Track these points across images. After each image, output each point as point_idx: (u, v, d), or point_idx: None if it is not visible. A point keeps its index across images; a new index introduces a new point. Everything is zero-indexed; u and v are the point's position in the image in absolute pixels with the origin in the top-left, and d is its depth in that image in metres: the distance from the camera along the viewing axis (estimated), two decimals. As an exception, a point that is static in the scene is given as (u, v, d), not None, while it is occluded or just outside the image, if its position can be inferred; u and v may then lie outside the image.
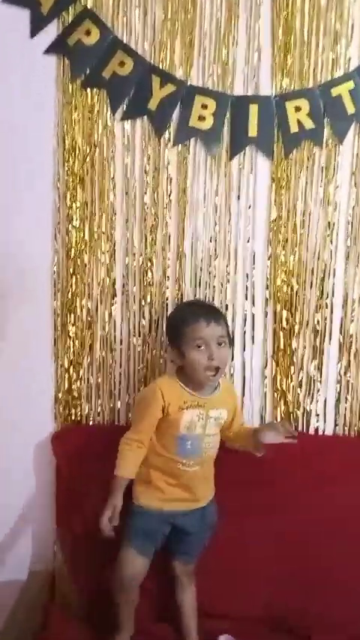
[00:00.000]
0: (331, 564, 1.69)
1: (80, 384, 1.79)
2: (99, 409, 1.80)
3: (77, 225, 1.72)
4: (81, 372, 1.78)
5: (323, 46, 1.66)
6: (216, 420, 1.59)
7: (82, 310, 1.76)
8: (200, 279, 1.76)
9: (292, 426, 1.68)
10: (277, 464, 1.71)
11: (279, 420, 1.79)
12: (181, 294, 1.77)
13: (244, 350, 1.79)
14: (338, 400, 1.80)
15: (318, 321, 1.77)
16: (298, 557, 1.69)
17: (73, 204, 1.71)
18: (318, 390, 1.80)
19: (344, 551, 1.70)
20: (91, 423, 1.80)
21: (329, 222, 1.74)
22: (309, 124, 1.67)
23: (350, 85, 1.66)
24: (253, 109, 1.67)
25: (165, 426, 1.54)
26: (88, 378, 1.79)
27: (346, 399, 1.80)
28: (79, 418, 1.80)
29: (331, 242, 1.75)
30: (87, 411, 1.80)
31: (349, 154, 1.71)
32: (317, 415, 1.81)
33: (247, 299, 1.78)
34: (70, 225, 1.72)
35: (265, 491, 1.72)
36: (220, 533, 1.67)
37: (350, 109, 1.67)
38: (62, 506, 1.77)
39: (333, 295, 1.77)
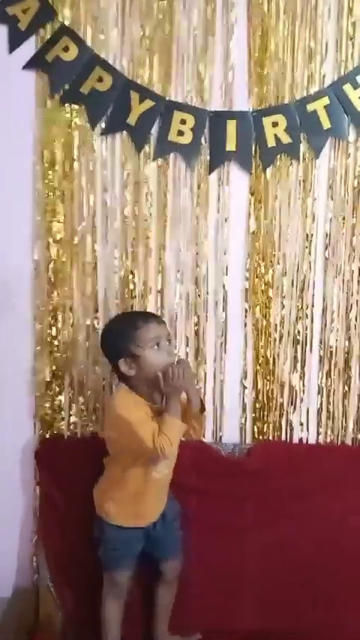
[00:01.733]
0: (320, 576, 1.65)
1: (62, 397, 1.72)
2: (82, 422, 1.73)
3: (58, 239, 1.68)
4: (63, 386, 1.72)
5: (298, 62, 1.64)
6: None
7: (63, 324, 1.71)
8: (182, 291, 1.72)
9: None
10: (262, 475, 1.69)
11: None
12: (163, 306, 1.72)
13: (222, 360, 1.75)
14: (320, 409, 1.77)
15: (298, 332, 1.75)
16: (287, 569, 1.65)
17: (53, 218, 1.67)
18: (301, 400, 1.76)
19: (334, 561, 1.66)
20: (78, 435, 1.73)
21: (307, 235, 1.71)
22: (286, 139, 1.65)
23: (325, 100, 1.64)
24: (231, 125, 1.64)
25: None
26: (69, 392, 1.73)
27: (328, 408, 1.77)
28: (61, 432, 1.73)
29: (310, 254, 1.72)
30: (69, 424, 1.73)
31: (325, 168, 1.68)
32: (301, 425, 1.76)
33: (224, 310, 1.73)
34: (50, 239, 1.67)
35: (253, 504, 1.68)
36: (209, 548, 1.63)
37: (326, 124, 1.64)
38: (45, 522, 1.70)
39: (313, 306, 1.74)
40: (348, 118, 1.65)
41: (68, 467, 1.68)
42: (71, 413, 1.73)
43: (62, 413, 1.73)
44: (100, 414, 1.73)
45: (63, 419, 1.73)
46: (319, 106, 1.64)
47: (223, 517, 1.66)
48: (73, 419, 1.74)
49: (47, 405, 1.72)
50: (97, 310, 1.71)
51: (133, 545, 1.55)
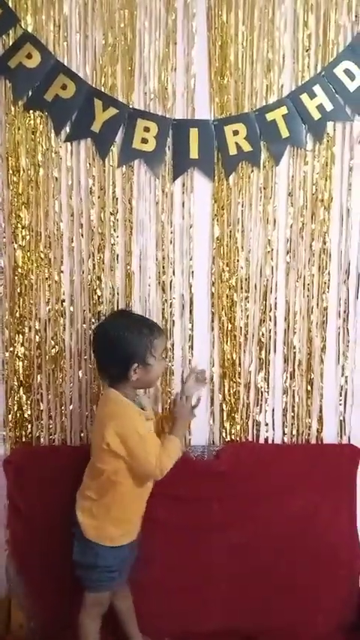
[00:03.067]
0: (286, 574, 1.65)
1: (30, 405, 1.68)
2: (50, 430, 1.69)
3: (23, 245, 1.63)
4: (30, 393, 1.68)
5: (257, 73, 1.65)
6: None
7: (30, 330, 1.67)
8: (148, 296, 1.70)
9: (204, 371, 1.64)
10: (231, 476, 1.68)
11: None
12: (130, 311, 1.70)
13: (189, 363, 1.73)
14: (285, 409, 1.78)
15: (262, 334, 1.75)
16: (253, 569, 1.64)
17: (19, 224, 1.63)
18: (266, 400, 1.76)
19: (301, 559, 1.66)
20: (42, 443, 1.69)
21: (269, 240, 1.72)
22: (247, 147, 1.65)
23: (284, 110, 1.65)
24: (194, 133, 1.63)
25: None
26: (37, 399, 1.68)
27: (293, 408, 1.77)
28: (29, 440, 1.69)
29: (272, 259, 1.73)
30: (37, 432, 1.69)
31: (284, 175, 1.70)
32: (266, 425, 1.77)
33: (191, 314, 1.72)
34: (16, 245, 1.63)
35: (220, 505, 1.67)
36: (176, 550, 1.60)
37: (284, 132, 1.66)
38: (15, 533, 1.64)
39: (276, 309, 1.75)
40: (305, 127, 1.67)
41: (38, 477, 1.62)
42: (40, 420, 1.69)
43: (32, 421, 1.68)
44: (68, 421, 1.70)
45: (32, 427, 1.68)
46: (277, 116, 1.66)
47: (191, 519, 1.64)
48: (41, 426, 1.69)
49: (15, 413, 1.67)
50: (62, 315, 1.67)
51: (126, 561, 1.51)
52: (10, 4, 1.56)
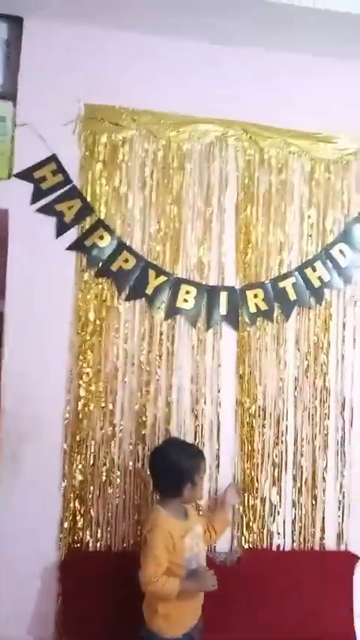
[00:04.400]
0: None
1: (84, 515, 1.93)
2: (98, 537, 1.93)
3: (87, 381, 1.96)
4: (85, 505, 1.93)
5: (272, 252, 2.10)
6: (199, 535, 1.76)
7: (87, 450, 1.95)
8: (184, 423, 2.01)
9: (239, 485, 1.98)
10: (251, 578, 1.93)
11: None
12: (168, 435, 2.00)
13: (216, 480, 2.02)
14: (294, 520, 2.06)
15: (276, 455, 2.07)
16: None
17: (84, 364, 1.97)
18: (278, 513, 2.05)
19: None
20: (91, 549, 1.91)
21: (281, 377, 2.09)
22: (264, 307, 2.07)
23: (292, 280, 2.09)
24: (223, 295, 2.05)
25: (173, 556, 1.66)
26: (90, 510, 1.94)
27: (300, 519, 2.06)
28: (81, 546, 1.92)
29: (283, 392, 2.09)
30: (88, 538, 1.93)
31: (293, 328, 2.10)
32: (278, 534, 2.04)
33: (218, 438, 2.03)
34: (81, 381, 1.96)
35: (241, 602, 1.91)
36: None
37: (292, 296, 2.09)
38: (66, 629, 1.83)
39: (286, 434, 2.08)
40: (309, 292, 2.10)
41: (91, 579, 1.84)
42: (91, 529, 1.92)
43: (84, 529, 1.91)
44: (118, 528, 1.94)
45: (84, 534, 1.92)
46: (287, 284, 2.09)
47: (222, 617, 1.85)
48: (92, 534, 1.92)
49: (71, 521, 1.91)
50: (113, 437, 1.97)
51: None
52: (88, 198, 2.00)
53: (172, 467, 1.71)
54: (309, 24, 1.96)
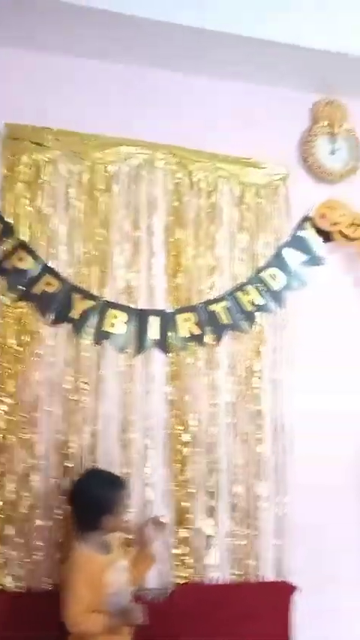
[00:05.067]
0: None
1: (2, 554, 1.77)
2: (17, 577, 1.77)
3: (7, 411, 1.83)
4: (3, 543, 1.77)
5: (203, 276, 2.05)
6: (123, 568, 1.66)
7: (6, 484, 1.80)
8: (110, 452, 1.90)
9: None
10: (183, 616, 1.81)
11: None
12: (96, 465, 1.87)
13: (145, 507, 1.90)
14: (230, 551, 1.95)
15: (210, 484, 1.96)
16: None
17: (2, 393, 1.84)
18: (213, 544, 1.94)
19: None
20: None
21: (213, 403, 2.01)
22: (195, 331, 2.00)
23: (224, 303, 2.04)
24: (153, 319, 1.97)
25: (95, 592, 1.56)
26: (8, 549, 1.78)
27: (236, 550, 1.95)
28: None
29: (216, 418, 2.00)
30: (7, 579, 1.77)
31: (225, 352, 2.04)
32: (214, 566, 1.93)
33: (146, 466, 1.92)
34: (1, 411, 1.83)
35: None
36: None
37: (224, 320, 2.03)
38: None
39: (221, 462, 1.98)
40: (241, 316, 2.05)
41: (11, 622, 1.69)
42: (6, 568, 1.77)
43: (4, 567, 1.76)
44: (39, 567, 1.79)
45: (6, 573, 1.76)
46: (219, 308, 2.03)
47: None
48: (7, 573, 1.77)
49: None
50: (36, 471, 1.83)
51: None
52: (9, 219, 1.90)
53: (90, 498, 1.64)
54: (234, 50, 1.97)
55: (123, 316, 1.95)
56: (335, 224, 2.11)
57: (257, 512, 1.99)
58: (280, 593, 1.96)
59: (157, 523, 1.81)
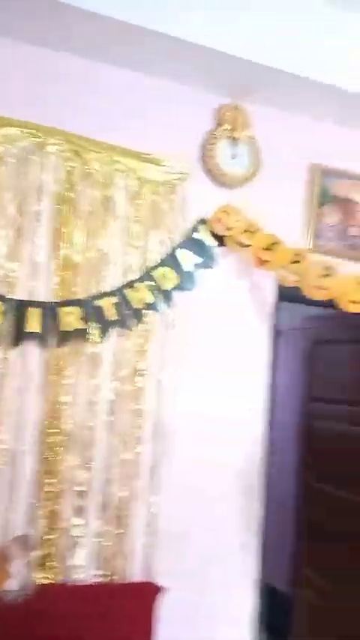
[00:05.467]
0: None
1: None
2: None
3: None
4: None
5: (92, 268, 1.97)
6: None
7: None
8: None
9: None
10: (43, 617, 1.75)
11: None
12: None
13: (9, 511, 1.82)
14: (97, 552, 1.91)
15: (81, 483, 1.90)
16: None
17: None
18: (80, 544, 1.88)
19: None
20: None
21: (92, 400, 1.94)
22: (78, 325, 1.92)
23: (112, 299, 1.97)
24: (33, 311, 1.87)
25: None
26: None
27: (104, 550, 1.91)
28: None
29: (95, 417, 1.94)
30: None
31: (109, 349, 1.98)
32: (79, 567, 1.87)
33: (16, 466, 1.84)
34: None
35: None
36: None
37: (110, 316, 1.96)
38: None
39: (95, 460, 1.92)
40: (129, 313, 2.00)
41: None
42: None
43: None
44: None
45: None
46: (106, 303, 1.96)
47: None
48: None
49: None
50: None
51: None
52: None
53: None
54: (141, 43, 1.92)
55: (0, 307, 1.84)
56: (229, 229, 2.10)
57: (128, 512, 1.95)
58: (145, 594, 1.94)
59: (22, 542, 1.73)
